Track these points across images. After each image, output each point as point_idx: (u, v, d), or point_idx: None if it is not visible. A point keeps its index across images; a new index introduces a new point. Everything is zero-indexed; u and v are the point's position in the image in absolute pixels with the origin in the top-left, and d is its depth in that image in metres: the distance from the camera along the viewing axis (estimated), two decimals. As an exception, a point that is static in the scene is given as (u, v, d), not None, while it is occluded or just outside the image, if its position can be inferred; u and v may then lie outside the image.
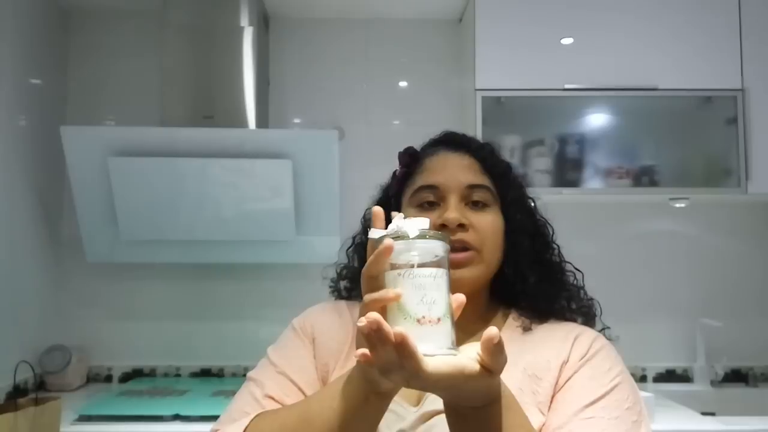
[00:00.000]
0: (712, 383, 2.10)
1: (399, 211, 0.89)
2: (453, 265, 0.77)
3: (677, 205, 2.11)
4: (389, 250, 0.59)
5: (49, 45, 2.11)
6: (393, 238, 0.60)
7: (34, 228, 1.99)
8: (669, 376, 2.17)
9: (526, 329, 0.85)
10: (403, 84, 2.28)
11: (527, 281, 0.86)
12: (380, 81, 2.27)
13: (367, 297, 0.59)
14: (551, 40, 1.97)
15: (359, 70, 2.27)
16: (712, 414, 1.78)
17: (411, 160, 0.90)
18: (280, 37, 2.26)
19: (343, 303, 0.93)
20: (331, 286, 0.97)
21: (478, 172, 0.86)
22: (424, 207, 0.85)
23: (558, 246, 0.92)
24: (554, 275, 0.89)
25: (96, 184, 1.88)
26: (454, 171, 0.85)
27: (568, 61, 1.96)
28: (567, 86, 1.94)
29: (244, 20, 1.98)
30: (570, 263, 0.92)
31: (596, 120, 1.99)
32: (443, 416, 0.70)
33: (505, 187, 0.88)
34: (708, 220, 2.23)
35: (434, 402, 0.78)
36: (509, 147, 1.97)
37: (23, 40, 1.92)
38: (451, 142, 0.91)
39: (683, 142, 1.99)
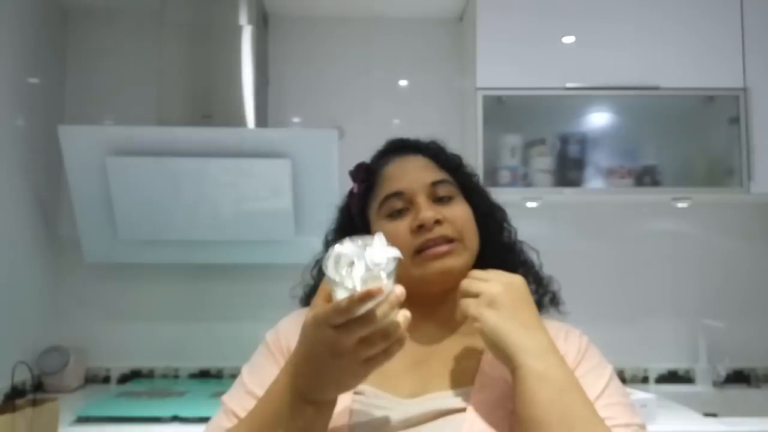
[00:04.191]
0: (715, 384, 2.09)
1: (366, 226, 0.90)
2: (440, 257, 0.82)
3: (679, 205, 2.10)
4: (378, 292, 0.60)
5: (47, 44, 2.11)
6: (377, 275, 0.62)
7: (31, 228, 1.99)
8: (671, 377, 2.17)
9: None
10: (403, 83, 2.28)
11: (505, 263, 0.88)
12: (380, 80, 2.27)
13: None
14: (552, 38, 1.96)
15: (359, 68, 2.26)
16: (715, 415, 1.78)
17: (368, 174, 0.92)
18: (280, 36, 2.25)
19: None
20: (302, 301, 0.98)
21: (435, 169, 0.89)
22: (394, 215, 0.86)
23: (515, 228, 0.95)
24: (515, 255, 0.93)
25: (94, 183, 1.87)
26: (415, 173, 0.88)
27: (569, 59, 1.95)
28: (568, 85, 1.93)
29: (243, 19, 1.98)
30: (525, 242, 0.95)
31: (598, 119, 1.99)
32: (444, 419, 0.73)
33: (463, 178, 0.92)
34: (710, 220, 2.23)
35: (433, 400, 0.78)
36: (510, 146, 1.97)
37: (21, 39, 1.92)
38: (401, 147, 0.94)
39: (685, 141, 1.99)
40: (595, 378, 0.79)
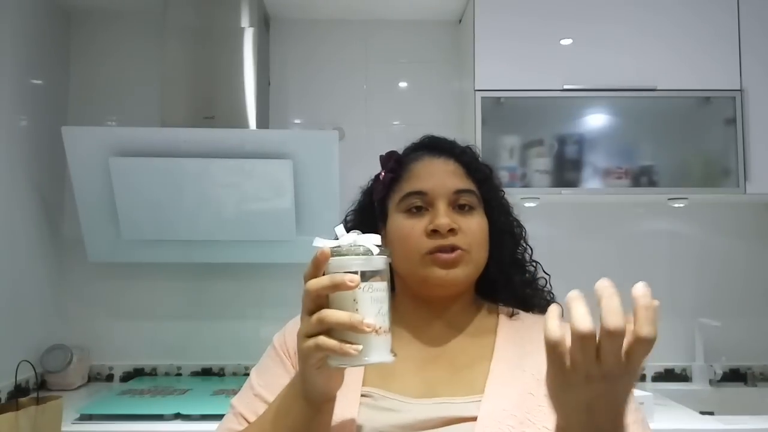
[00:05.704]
0: (711, 383, 2.10)
1: (384, 214, 0.91)
2: (446, 265, 0.83)
3: (676, 206, 2.11)
4: (326, 256, 0.65)
5: (50, 46, 2.12)
6: (345, 251, 0.66)
7: (35, 228, 2.00)
8: (668, 375, 2.18)
9: (513, 315, 0.90)
10: (402, 85, 2.29)
11: (511, 279, 0.90)
12: (380, 82, 2.28)
13: (315, 284, 0.65)
14: (550, 40, 1.98)
15: (359, 70, 2.28)
16: (711, 413, 1.79)
17: (396, 165, 0.92)
18: (281, 38, 2.27)
19: None
20: None
21: (463, 176, 0.89)
22: (413, 212, 0.87)
23: (531, 247, 0.95)
24: (526, 273, 0.94)
25: (97, 184, 1.88)
26: (442, 177, 0.88)
27: (567, 61, 1.96)
28: (566, 87, 1.95)
29: (244, 21, 1.99)
30: (539, 263, 0.95)
31: (595, 120, 2.00)
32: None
33: (488, 191, 0.91)
34: (706, 220, 2.24)
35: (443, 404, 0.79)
36: (509, 147, 1.98)
37: (25, 40, 1.93)
38: (435, 147, 0.94)
39: (682, 142, 1.99)
40: None
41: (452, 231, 0.83)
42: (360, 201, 0.98)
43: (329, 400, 0.72)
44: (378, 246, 0.67)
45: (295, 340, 0.87)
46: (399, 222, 0.87)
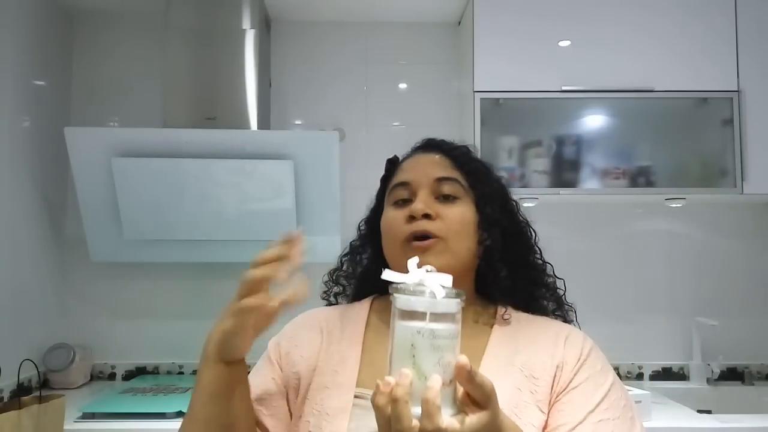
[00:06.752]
0: (708, 381, 2.11)
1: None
2: (417, 251, 0.82)
3: (673, 206, 2.12)
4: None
5: (53, 47, 2.13)
6: (411, 291, 0.61)
7: (38, 228, 2.01)
8: (665, 374, 2.18)
9: (508, 314, 0.89)
10: (402, 86, 2.30)
11: (499, 274, 0.88)
12: (380, 83, 2.29)
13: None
14: (549, 42, 1.99)
15: (359, 72, 2.29)
16: (708, 412, 1.80)
17: (391, 165, 0.96)
18: (282, 40, 2.28)
19: (317, 311, 0.97)
20: (325, 292, 1.00)
21: (448, 167, 0.90)
22: (399, 204, 0.89)
23: (540, 249, 0.95)
24: (537, 277, 0.93)
25: (100, 184, 1.89)
26: (424, 167, 0.90)
27: (565, 63, 1.98)
28: (564, 88, 1.96)
29: (246, 23, 2.00)
30: (550, 264, 0.95)
31: (593, 121, 2.00)
32: None
33: (477, 182, 0.90)
34: (704, 220, 2.25)
35: None
36: (507, 148, 1.98)
37: (27, 41, 1.94)
38: (427, 145, 0.96)
39: (679, 143, 2.00)
40: (593, 389, 0.79)
41: (428, 216, 0.84)
42: (372, 206, 1.00)
43: (240, 362, 0.76)
44: (445, 287, 0.61)
45: (288, 340, 0.90)
46: (387, 213, 0.90)
